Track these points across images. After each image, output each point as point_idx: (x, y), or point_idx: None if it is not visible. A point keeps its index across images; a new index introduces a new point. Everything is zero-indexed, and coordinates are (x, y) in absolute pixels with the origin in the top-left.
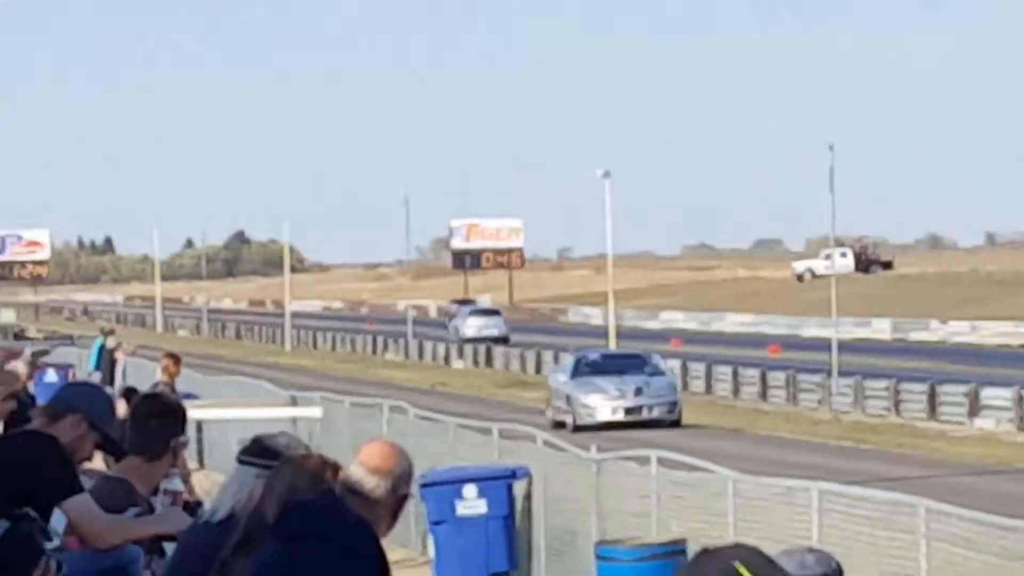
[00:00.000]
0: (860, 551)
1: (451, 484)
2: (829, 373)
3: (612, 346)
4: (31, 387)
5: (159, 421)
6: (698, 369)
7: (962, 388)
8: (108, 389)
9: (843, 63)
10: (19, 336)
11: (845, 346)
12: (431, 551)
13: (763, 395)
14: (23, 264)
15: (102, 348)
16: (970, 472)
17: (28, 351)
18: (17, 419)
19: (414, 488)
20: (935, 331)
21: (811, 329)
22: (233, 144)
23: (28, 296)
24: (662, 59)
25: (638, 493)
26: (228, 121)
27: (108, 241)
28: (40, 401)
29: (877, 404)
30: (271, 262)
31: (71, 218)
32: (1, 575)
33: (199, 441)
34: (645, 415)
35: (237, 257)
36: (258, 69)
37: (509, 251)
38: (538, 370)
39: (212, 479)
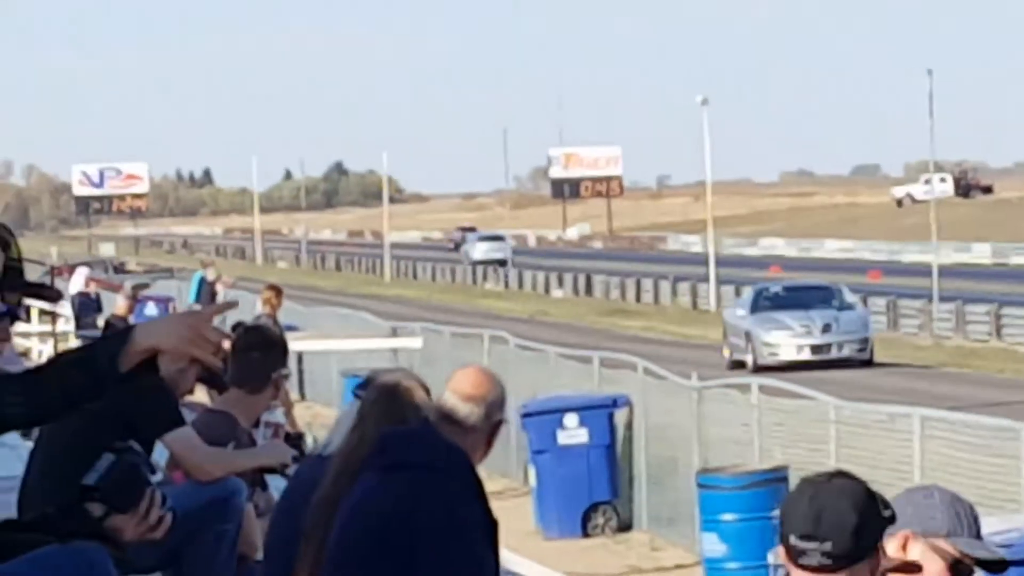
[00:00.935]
0: (962, 477)
1: (552, 413)
2: (930, 298)
3: (712, 273)
4: (131, 320)
5: (260, 353)
6: None
7: None
8: None
9: None
10: (119, 269)
11: (945, 271)
12: (532, 480)
13: None
14: (122, 198)
15: (202, 281)
16: None
17: (128, 284)
18: None
19: (515, 418)
20: None
21: (911, 255)
22: (331, 75)
23: (128, 229)
24: None
25: (739, 421)
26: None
27: (207, 173)
28: None
29: (978, 329)
30: (370, 193)
31: (170, 151)
32: (108, 507)
33: (300, 373)
34: (834, 353)
35: (336, 188)
36: (354, 1)
37: (608, 179)
38: (638, 299)
39: (313, 411)
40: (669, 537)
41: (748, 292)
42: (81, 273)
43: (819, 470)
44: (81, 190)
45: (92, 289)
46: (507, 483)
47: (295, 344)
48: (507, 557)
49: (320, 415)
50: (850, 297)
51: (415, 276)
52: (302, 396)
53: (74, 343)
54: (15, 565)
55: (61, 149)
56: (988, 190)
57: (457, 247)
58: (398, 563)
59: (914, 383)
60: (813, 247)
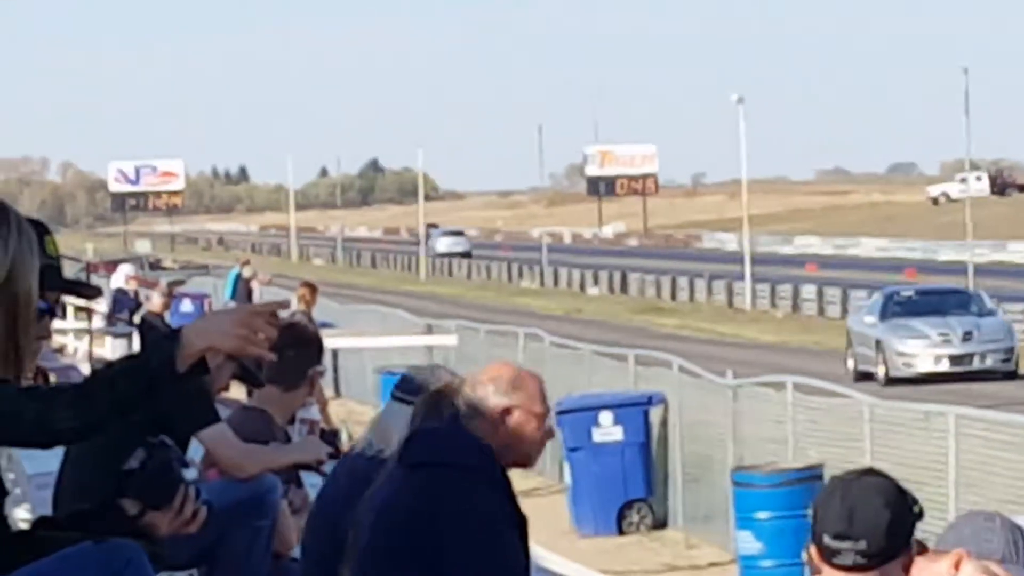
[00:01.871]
0: (997, 476)
1: (587, 411)
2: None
3: (747, 271)
4: (167, 317)
5: (295, 351)
6: (834, 294)
7: None
8: None
9: None
10: (155, 266)
11: (981, 270)
12: (567, 478)
13: None
14: (158, 194)
15: (238, 277)
16: None
17: (164, 281)
18: None
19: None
20: None
21: (947, 253)
22: (367, 73)
23: (163, 226)
24: None
25: (774, 419)
26: (362, 49)
27: (242, 171)
28: None
29: (1015, 328)
30: (405, 190)
31: (205, 148)
32: (141, 502)
33: (335, 370)
34: (976, 364)
35: (371, 185)
36: None
37: (643, 177)
38: (673, 296)
39: (348, 408)
40: (704, 535)
41: (876, 297)
42: (123, 270)
43: (853, 468)
44: (117, 187)
45: (131, 287)
46: (542, 481)
47: (330, 341)
48: (542, 554)
49: (355, 412)
50: (990, 303)
51: (450, 273)
52: (337, 393)
53: (107, 340)
54: (50, 562)
55: (97, 146)
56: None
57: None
58: (425, 561)
59: None
60: (848, 245)
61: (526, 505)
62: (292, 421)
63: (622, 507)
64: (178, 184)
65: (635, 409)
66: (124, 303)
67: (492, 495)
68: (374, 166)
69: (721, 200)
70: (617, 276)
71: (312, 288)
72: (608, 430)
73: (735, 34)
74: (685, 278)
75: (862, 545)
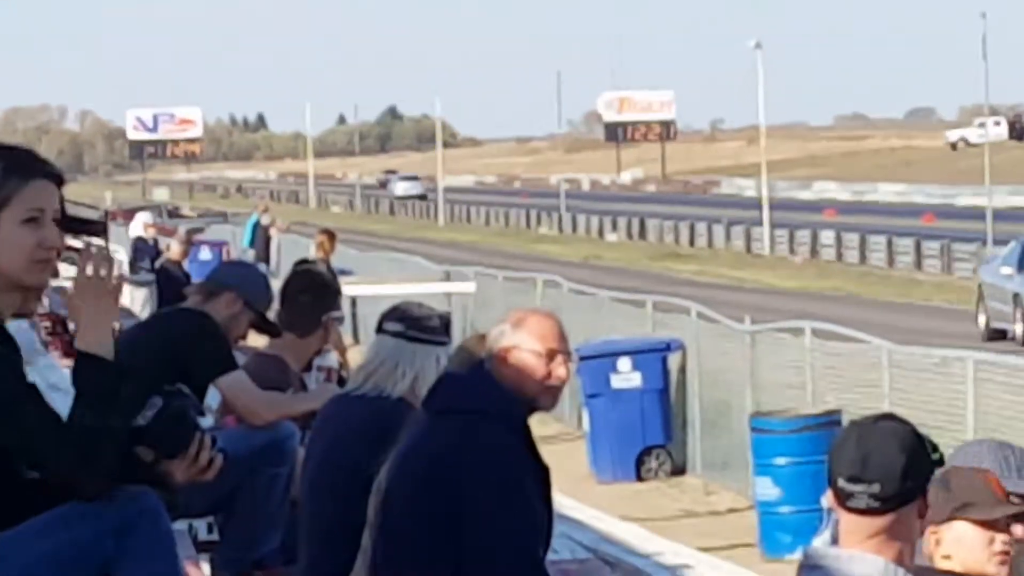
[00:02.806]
0: (1017, 420)
1: (605, 357)
2: (984, 242)
3: (765, 217)
4: (185, 265)
5: (310, 297)
6: (852, 239)
7: None
8: (262, 266)
9: None
10: (173, 214)
11: (1000, 214)
12: (586, 424)
13: (918, 265)
14: (176, 142)
15: (256, 225)
16: None
17: (182, 229)
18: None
19: None
20: None
21: (965, 198)
22: (385, 20)
23: (182, 174)
24: None
25: (792, 364)
26: None
27: (260, 118)
28: (195, 279)
29: None
30: (423, 137)
31: (223, 95)
32: (157, 451)
33: (353, 317)
34: None
35: (389, 133)
36: None
37: (661, 123)
38: (692, 243)
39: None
40: (722, 481)
41: (1013, 246)
42: (141, 218)
43: (871, 413)
44: (135, 135)
45: (150, 234)
46: (561, 427)
47: (348, 289)
48: (561, 501)
49: None
50: None
51: (469, 220)
52: (356, 340)
53: (127, 289)
54: (67, 510)
55: (115, 94)
56: None
57: (383, 185)
58: (446, 508)
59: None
60: (867, 191)
61: (545, 452)
62: (308, 368)
63: (640, 453)
64: (196, 132)
65: (653, 355)
66: (144, 251)
67: (516, 444)
68: (392, 113)
69: (739, 146)
70: (635, 222)
71: (331, 235)
72: (626, 376)
73: None
74: (703, 224)
75: (875, 488)
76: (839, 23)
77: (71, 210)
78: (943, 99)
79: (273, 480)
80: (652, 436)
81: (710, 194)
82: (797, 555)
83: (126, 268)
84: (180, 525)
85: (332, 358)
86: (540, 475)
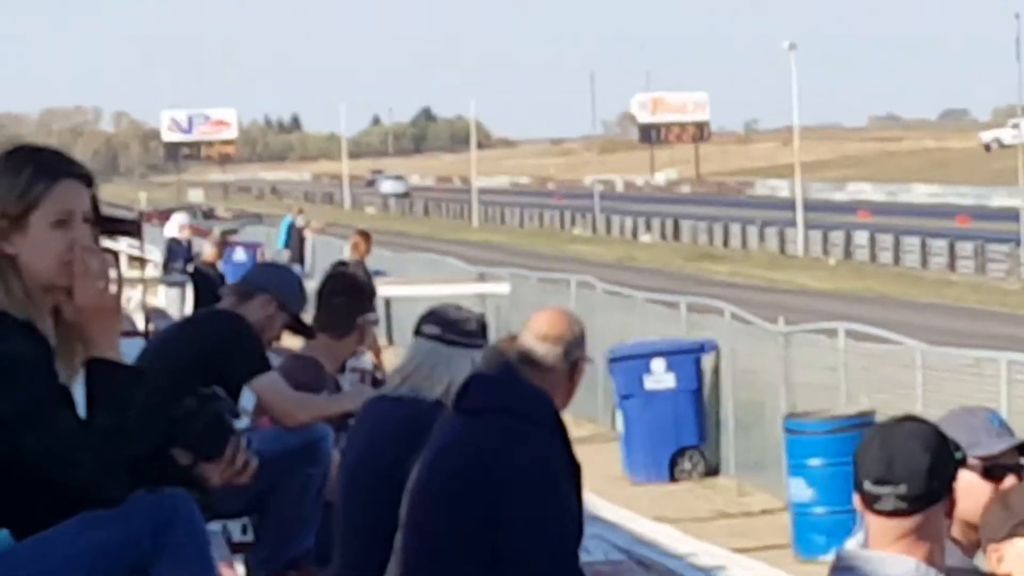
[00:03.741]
0: None
1: (639, 358)
2: (1018, 243)
3: (799, 218)
4: (220, 266)
5: (345, 299)
6: (886, 240)
7: None
8: (297, 267)
9: None
10: (208, 215)
11: None
12: (620, 426)
13: (951, 266)
14: (210, 144)
15: (291, 226)
16: None
17: (217, 230)
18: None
19: (602, 363)
20: None
21: (999, 199)
22: (419, 20)
23: (216, 175)
24: None
25: (826, 365)
26: None
27: (295, 119)
28: (229, 280)
29: None
30: (458, 138)
31: (258, 97)
32: (192, 453)
33: (388, 318)
34: None
35: (423, 134)
36: None
37: (695, 124)
38: (725, 243)
39: (401, 356)
40: (756, 482)
41: None
42: (176, 219)
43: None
44: (170, 136)
45: (185, 236)
46: (594, 428)
47: (383, 290)
48: (594, 501)
49: None
50: None
51: (503, 221)
52: (390, 341)
53: (161, 290)
54: (102, 511)
55: (150, 95)
56: None
57: (371, 184)
58: (482, 507)
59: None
60: (900, 192)
61: (579, 452)
62: (343, 370)
63: (674, 454)
64: (231, 133)
65: (687, 356)
66: (178, 252)
67: (548, 442)
68: (426, 114)
69: (773, 147)
70: (669, 223)
71: (366, 236)
72: (660, 377)
73: None
74: (737, 225)
75: (902, 489)
76: (873, 24)
77: (105, 211)
78: (977, 100)
79: (307, 481)
80: (686, 437)
81: (744, 195)
82: (831, 556)
83: (159, 269)
84: (214, 526)
85: (366, 359)
86: (574, 474)
